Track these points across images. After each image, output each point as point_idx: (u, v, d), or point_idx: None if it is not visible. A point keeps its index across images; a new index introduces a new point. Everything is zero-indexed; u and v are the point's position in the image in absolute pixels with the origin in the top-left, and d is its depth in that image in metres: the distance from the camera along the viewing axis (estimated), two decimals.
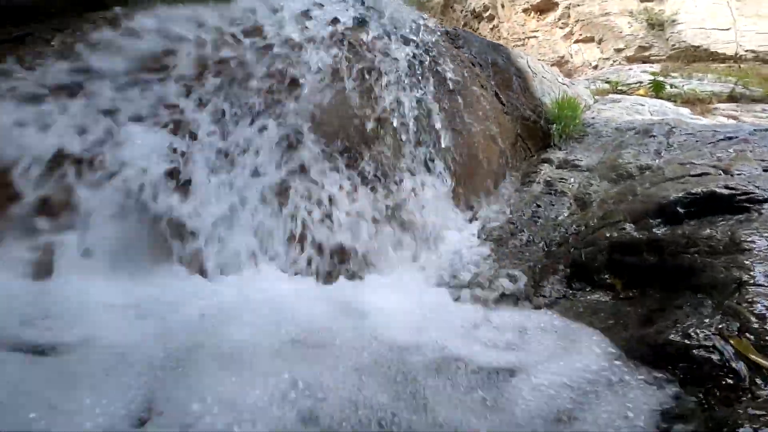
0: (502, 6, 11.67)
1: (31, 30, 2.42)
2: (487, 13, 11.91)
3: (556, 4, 10.79)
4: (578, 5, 10.35)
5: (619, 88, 6.66)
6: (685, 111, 5.43)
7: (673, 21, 8.61)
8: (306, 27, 3.02)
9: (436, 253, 2.38)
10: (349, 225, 2.21)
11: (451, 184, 2.88)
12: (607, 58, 8.94)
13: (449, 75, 3.34)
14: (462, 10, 13.01)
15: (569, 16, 10.26)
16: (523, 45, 10.46)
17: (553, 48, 9.90)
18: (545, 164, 3.51)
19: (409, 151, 2.76)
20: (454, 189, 2.91)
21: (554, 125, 3.86)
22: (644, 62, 8.47)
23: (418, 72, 3.18)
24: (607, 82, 7.00)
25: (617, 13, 9.49)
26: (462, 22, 12.90)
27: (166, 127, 2.21)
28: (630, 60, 8.64)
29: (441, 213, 2.64)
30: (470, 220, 2.86)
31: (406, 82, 3.03)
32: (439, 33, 3.81)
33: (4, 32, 2.38)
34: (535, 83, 4.27)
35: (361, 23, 3.33)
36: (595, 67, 9.01)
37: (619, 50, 8.89)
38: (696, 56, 8.02)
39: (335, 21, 3.23)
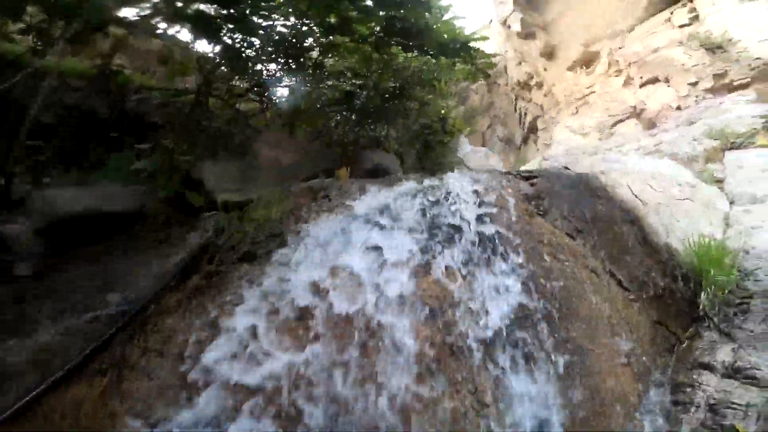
0: (545, 69, 11.90)
1: None
2: (534, 81, 12.23)
3: (598, 54, 10.74)
4: (620, 48, 10.23)
5: (733, 142, 5.09)
6: None
7: (730, 39, 8.07)
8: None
9: None
10: None
11: None
12: (686, 95, 8.61)
13: (538, 283, 2.30)
14: (506, 83, 13.51)
15: (618, 62, 10.14)
16: (584, 103, 10.54)
17: (618, 99, 9.81)
18: (704, 372, 2.37)
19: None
20: None
21: (701, 288, 2.69)
22: (729, 91, 8.05)
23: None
24: (711, 137, 5.44)
25: (666, 46, 9.21)
26: (513, 95, 13.38)
27: None
28: (712, 92, 8.23)
29: None
30: None
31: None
32: (513, 204, 2.71)
33: None
34: (651, 220, 2.98)
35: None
36: (678, 108, 8.74)
37: (693, 84, 8.53)
38: None
39: None
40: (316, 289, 2.01)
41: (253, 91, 4.82)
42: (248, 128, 3.51)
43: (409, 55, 4.27)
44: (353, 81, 5.07)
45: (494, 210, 2.52)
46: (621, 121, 9.55)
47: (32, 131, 3.05)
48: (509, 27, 13.52)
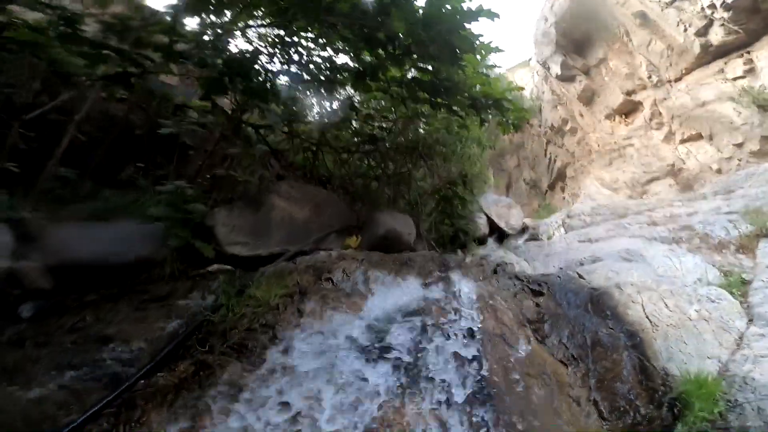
0: (581, 115, 11.68)
1: None
2: (568, 126, 12.01)
3: (640, 104, 10.42)
4: (665, 99, 9.84)
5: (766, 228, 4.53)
6: None
7: None
8: None
9: None
10: None
11: None
12: (729, 158, 8.17)
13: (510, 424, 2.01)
14: (540, 125, 13.34)
15: (661, 114, 9.77)
16: (620, 155, 10.21)
17: (656, 154, 9.43)
18: None
19: None
20: None
21: (680, 419, 2.42)
22: None
23: None
24: (747, 217, 4.95)
25: (715, 100, 8.68)
26: (544, 140, 13.19)
27: None
28: (758, 155, 7.76)
29: None
30: None
31: None
32: (508, 330, 2.48)
33: None
34: (656, 345, 2.73)
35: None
36: (718, 171, 8.29)
37: (738, 145, 8.09)
38: None
39: None
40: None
41: (284, 122, 4.93)
42: (267, 173, 3.53)
43: (435, 112, 4.21)
44: (381, 124, 5.09)
45: (488, 347, 2.24)
46: (656, 179, 9.13)
47: (65, 153, 3.19)
48: (548, 68, 13.45)
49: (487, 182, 7.06)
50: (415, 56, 3.27)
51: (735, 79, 8.58)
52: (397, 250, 3.37)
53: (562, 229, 7.32)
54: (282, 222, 3.25)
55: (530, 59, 15.88)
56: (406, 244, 3.78)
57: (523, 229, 8.38)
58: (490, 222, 8.02)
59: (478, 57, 3.82)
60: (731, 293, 3.26)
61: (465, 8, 2.59)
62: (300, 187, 3.66)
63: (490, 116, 4.46)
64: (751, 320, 2.97)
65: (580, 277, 2.87)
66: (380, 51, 3.34)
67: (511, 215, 8.23)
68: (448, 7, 2.62)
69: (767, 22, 8.36)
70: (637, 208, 7.36)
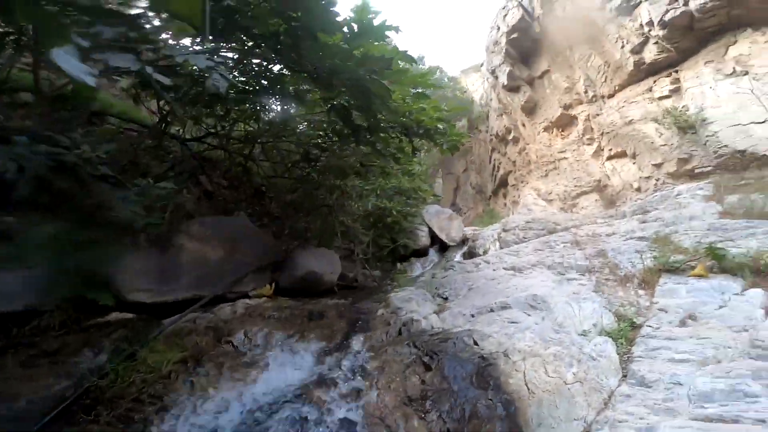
0: (523, 125, 12.11)
1: None
2: (511, 135, 12.41)
3: (575, 117, 10.96)
4: (597, 115, 10.39)
5: (670, 263, 4.79)
6: None
7: (704, 120, 8.07)
8: None
9: None
10: None
11: None
12: (648, 177, 8.79)
13: None
14: (487, 131, 13.70)
15: (592, 129, 10.32)
16: (555, 168, 10.73)
17: (586, 169, 9.98)
18: None
19: None
20: None
21: None
22: (690, 178, 8.25)
23: None
24: (655, 247, 5.28)
25: (640, 119, 9.19)
26: (490, 146, 13.57)
27: None
28: (674, 177, 8.42)
29: None
30: None
31: None
32: (388, 415, 2.40)
33: None
34: (529, 412, 2.70)
35: None
36: (638, 189, 8.92)
37: (657, 165, 8.68)
38: (745, 164, 7.55)
39: None
40: None
41: (211, 133, 4.60)
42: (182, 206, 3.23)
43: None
44: (317, 141, 4.89)
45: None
46: (585, 193, 9.67)
47: None
48: (497, 77, 13.80)
49: (426, 197, 7.10)
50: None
51: (661, 98, 9.04)
52: (316, 291, 3.25)
53: (498, 244, 7.71)
54: (192, 264, 3.01)
55: (482, 64, 16.23)
56: (327, 284, 3.68)
57: (464, 241, 8.65)
58: (432, 233, 8.18)
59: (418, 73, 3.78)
60: (618, 343, 3.43)
61: (377, 55, 2.50)
62: (215, 223, 3.42)
63: (423, 145, 4.44)
64: (624, 377, 3.04)
65: (475, 343, 2.93)
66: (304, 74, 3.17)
67: (452, 227, 8.42)
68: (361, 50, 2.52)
69: (699, 41, 8.74)
70: (565, 224, 7.91)
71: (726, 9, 8.23)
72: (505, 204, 12.13)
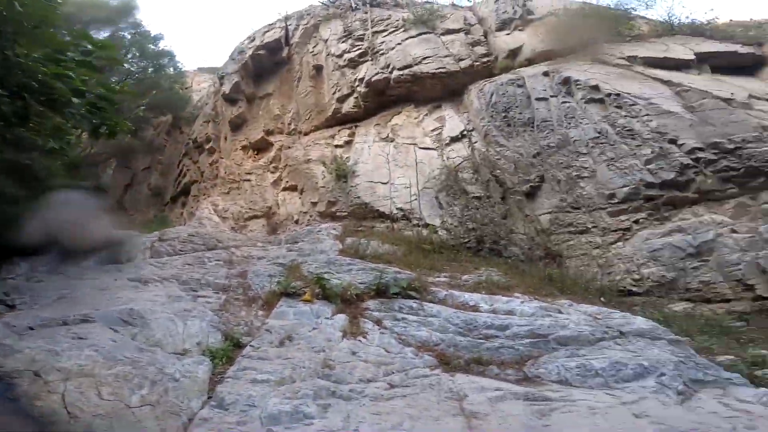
0: (225, 139, 11.65)
1: None
2: (209, 145, 11.69)
3: (271, 145, 11.27)
4: (289, 147, 10.95)
5: (290, 288, 5.06)
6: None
7: (354, 172, 9.38)
8: None
9: None
10: None
11: None
12: (306, 212, 9.53)
13: None
14: (189, 135, 12.55)
15: (280, 159, 10.75)
16: (238, 187, 10.56)
17: (263, 195, 10.16)
18: None
19: None
20: None
21: None
22: (333, 218, 9.29)
23: None
24: (287, 273, 5.67)
25: (316, 160, 10.09)
26: (183, 151, 12.44)
27: None
28: (323, 216, 9.33)
29: None
30: None
31: None
32: None
33: None
34: None
35: None
36: (297, 222, 9.54)
37: (314, 203, 9.51)
38: (366, 214, 8.93)
39: None
40: None
41: None
42: None
43: None
44: None
45: None
46: (256, 217, 9.77)
47: None
48: (222, 84, 13.02)
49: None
50: None
51: (337, 146, 10.14)
52: None
53: (148, 252, 6.88)
54: None
55: (225, 62, 15.23)
56: None
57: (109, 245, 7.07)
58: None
59: None
60: (216, 363, 3.31)
61: None
62: None
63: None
64: (210, 398, 2.90)
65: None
66: None
67: (90, 227, 6.64)
68: None
69: (382, 105, 10.23)
70: (227, 243, 7.76)
71: (410, 84, 10.02)
72: (182, 213, 11.10)
